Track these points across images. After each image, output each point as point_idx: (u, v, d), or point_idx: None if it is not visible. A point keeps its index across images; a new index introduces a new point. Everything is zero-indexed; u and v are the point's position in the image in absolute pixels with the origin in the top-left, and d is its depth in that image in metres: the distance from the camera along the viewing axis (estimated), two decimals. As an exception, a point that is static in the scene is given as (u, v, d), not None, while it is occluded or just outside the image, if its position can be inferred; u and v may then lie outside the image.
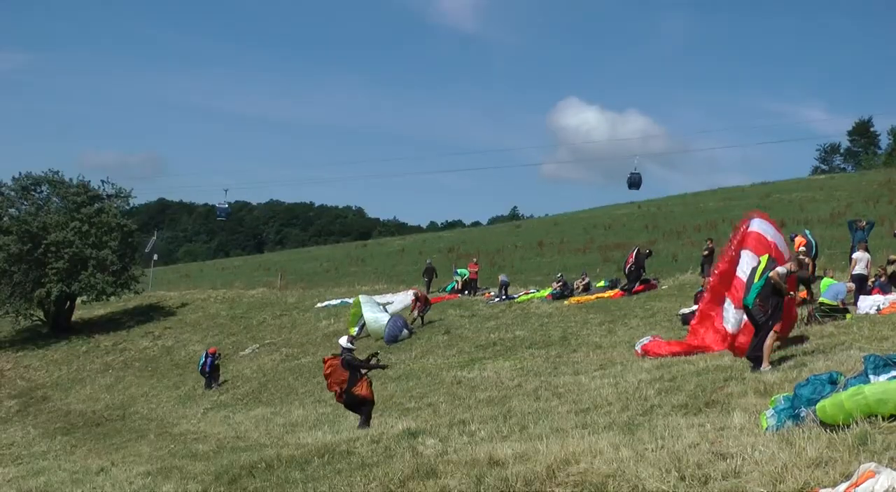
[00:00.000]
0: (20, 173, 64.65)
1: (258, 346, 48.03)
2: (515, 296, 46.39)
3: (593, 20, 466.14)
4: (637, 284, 40.18)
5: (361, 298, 44.54)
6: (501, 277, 49.38)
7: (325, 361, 22.41)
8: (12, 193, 64.12)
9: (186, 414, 34.60)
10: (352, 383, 21.27)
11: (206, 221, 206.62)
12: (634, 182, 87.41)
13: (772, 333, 17.92)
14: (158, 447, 26.14)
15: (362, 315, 42.66)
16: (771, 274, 18.50)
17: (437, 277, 57.03)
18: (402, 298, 46.81)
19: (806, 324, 24.20)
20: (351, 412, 22.54)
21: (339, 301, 54.23)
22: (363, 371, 21.78)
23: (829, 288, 25.89)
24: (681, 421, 13.62)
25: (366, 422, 21.37)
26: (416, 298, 44.92)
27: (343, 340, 22.57)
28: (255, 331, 52.22)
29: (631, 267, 40.78)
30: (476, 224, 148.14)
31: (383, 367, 23.78)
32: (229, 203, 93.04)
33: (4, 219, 61.99)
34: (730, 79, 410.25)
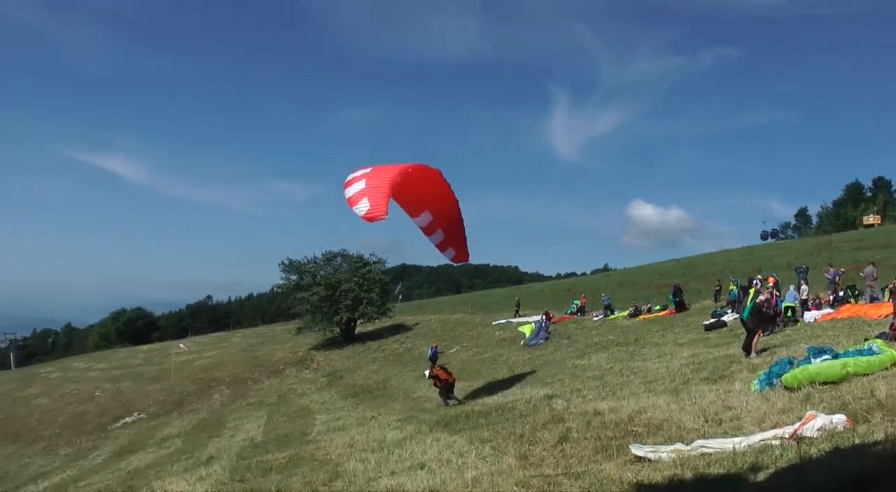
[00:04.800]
0: (326, 251, 66.52)
1: (459, 347, 48.13)
2: (615, 311, 46.21)
3: (645, 152, 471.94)
4: (683, 308, 39.76)
5: (527, 327, 44.79)
6: (604, 298, 49.06)
7: (443, 370, 24.65)
8: (321, 262, 65.79)
9: (420, 387, 34.81)
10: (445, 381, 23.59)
11: (429, 276, 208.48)
12: (764, 236, 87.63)
13: (757, 335, 17.68)
14: (404, 405, 26.43)
15: (533, 329, 42.72)
16: (757, 301, 18.23)
17: (520, 307, 59.55)
18: (538, 318, 46.50)
19: (777, 328, 24.07)
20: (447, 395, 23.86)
21: (505, 321, 54.11)
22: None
23: (787, 296, 27.21)
24: (705, 388, 13.46)
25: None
26: (546, 316, 45.05)
27: (426, 373, 25.94)
28: (457, 338, 52.37)
29: (678, 300, 40.43)
30: (584, 274, 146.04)
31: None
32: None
33: (317, 277, 63.60)
34: (728, 183, 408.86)
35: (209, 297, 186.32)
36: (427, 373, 25.22)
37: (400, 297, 77.67)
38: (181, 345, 78.60)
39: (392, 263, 76.64)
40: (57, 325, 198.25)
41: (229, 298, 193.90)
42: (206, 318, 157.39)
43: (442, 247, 20.70)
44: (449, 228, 20.35)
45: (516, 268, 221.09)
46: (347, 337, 63.79)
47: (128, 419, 52.06)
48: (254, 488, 12.82)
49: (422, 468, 10.92)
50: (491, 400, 20.36)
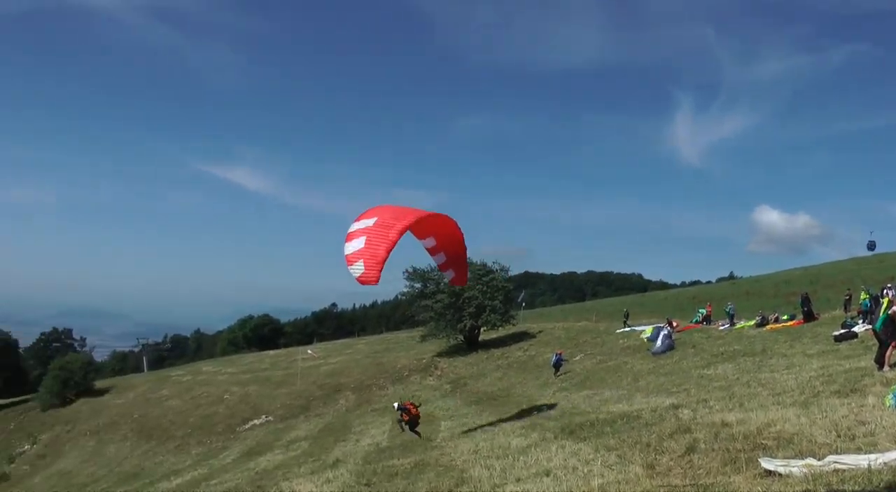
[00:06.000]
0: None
1: (583, 354, 47.77)
2: (739, 321, 44.91)
3: (772, 155, 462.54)
4: (811, 318, 38.48)
5: (647, 329, 44.19)
6: (729, 307, 47.89)
7: (413, 406, 25.19)
8: (445, 270, 66.15)
9: (543, 394, 34.77)
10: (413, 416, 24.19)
11: (552, 283, 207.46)
12: (871, 246, 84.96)
13: (891, 347, 16.95)
14: (528, 412, 26.45)
15: (655, 336, 42.09)
16: (890, 312, 17.53)
17: (628, 318, 59.09)
18: (661, 326, 45.71)
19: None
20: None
21: (629, 329, 53.46)
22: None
23: None
24: (836, 401, 13.00)
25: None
26: (669, 323, 44.32)
27: (395, 404, 25.93)
28: (581, 346, 52.00)
29: (806, 309, 39.16)
30: (708, 282, 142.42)
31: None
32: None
33: (441, 284, 64.05)
34: (859, 187, 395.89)
35: (334, 304, 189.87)
36: (396, 405, 26.12)
37: (523, 304, 77.49)
38: (309, 351, 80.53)
39: (515, 270, 76.24)
40: (187, 330, 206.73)
41: (354, 305, 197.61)
42: (331, 325, 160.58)
43: (443, 267, 21.55)
44: (450, 254, 21.09)
45: (640, 275, 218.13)
46: (471, 344, 64.10)
47: (256, 422, 53.84)
48: (379, 493, 13.09)
49: (547, 475, 10.95)
50: (615, 409, 20.15)
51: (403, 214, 18.54)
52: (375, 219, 17.96)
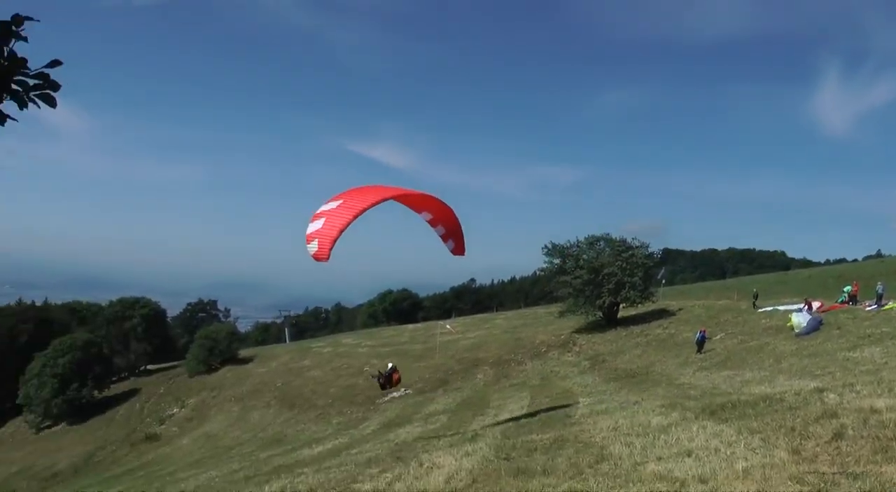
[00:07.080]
0: (588, 235, 66.47)
1: (724, 334, 46.53)
2: (888, 302, 42.52)
3: None
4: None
5: (793, 314, 42.43)
6: (879, 286, 45.49)
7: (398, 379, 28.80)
8: (584, 246, 65.55)
9: (683, 373, 34.09)
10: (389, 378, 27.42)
11: (692, 261, 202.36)
12: None
13: None
14: (668, 391, 26.00)
15: (796, 318, 40.52)
16: None
17: (757, 299, 57.59)
18: (800, 307, 44.01)
19: None
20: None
21: (771, 308, 51.64)
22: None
23: None
24: None
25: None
26: (808, 304, 42.70)
27: (390, 365, 28.60)
28: (721, 325, 50.60)
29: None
30: (854, 260, 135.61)
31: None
32: None
33: (580, 261, 63.52)
34: None
35: (472, 279, 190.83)
36: (391, 365, 27.44)
37: (663, 281, 75.86)
38: (447, 325, 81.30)
39: (655, 246, 74.69)
40: (328, 303, 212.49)
41: (492, 280, 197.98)
42: (469, 299, 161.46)
43: (444, 238, 21.86)
44: (448, 226, 21.58)
45: (783, 253, 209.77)
46: (610, 321, 63.41)
47: (395, 394, 54.84)
48: (520, 467, 13.07)
49: (689, 456, 10.77)
50: (757, 390, 19.56)
51: (369, 194, 19.42)
52: (340, 202, 19.07)
